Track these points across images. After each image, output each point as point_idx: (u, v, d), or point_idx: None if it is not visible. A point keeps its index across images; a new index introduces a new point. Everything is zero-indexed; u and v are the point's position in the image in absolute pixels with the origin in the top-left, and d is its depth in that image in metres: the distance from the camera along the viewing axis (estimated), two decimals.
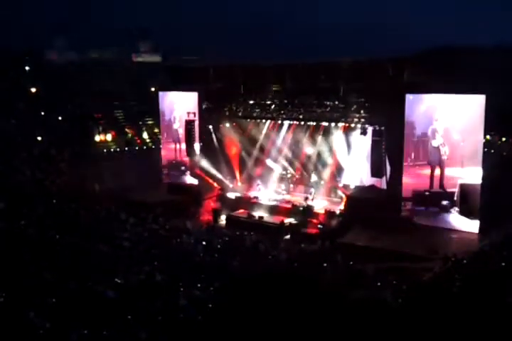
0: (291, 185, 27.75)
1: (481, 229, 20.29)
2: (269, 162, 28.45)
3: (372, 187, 23.79)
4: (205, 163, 28.46)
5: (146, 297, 11.72)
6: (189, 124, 28.44)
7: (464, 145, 20.25)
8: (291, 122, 26.55)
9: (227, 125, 28.55)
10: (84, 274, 12.93)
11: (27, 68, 37.11)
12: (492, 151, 24.79)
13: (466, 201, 20.56)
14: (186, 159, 29.72)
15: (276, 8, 74.59)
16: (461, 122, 20.37)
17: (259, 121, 27.59)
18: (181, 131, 29.65)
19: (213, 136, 28.85)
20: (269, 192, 27.04)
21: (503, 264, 15.04)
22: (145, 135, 36.84)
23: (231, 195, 27.14)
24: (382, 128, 22.53)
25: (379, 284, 14.56)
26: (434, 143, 21.15)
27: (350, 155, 25.42)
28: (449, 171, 21.04)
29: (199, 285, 13.37)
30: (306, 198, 25.20)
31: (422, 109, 21.19)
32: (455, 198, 20.97)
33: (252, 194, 26.97)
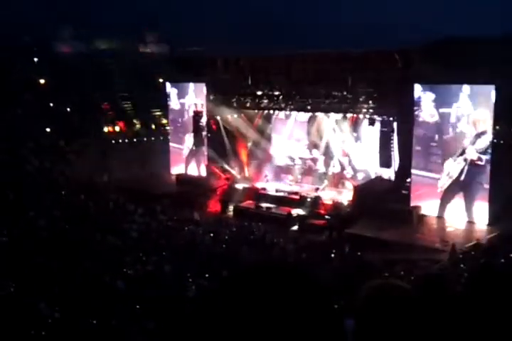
0: (299, 176, 27.73)
1: (490, 220, 20.21)
2: (276, 153, 28.43)
3: (380, 178, 23.74)
4: (213, 154, 28.47)
5: (154, 287, 11.78)
6: (197, 115, 28.44)
7: None
8: (299, 113, 26.54)
9: (235, 116, 28.49)
10: (93, 265, 13.00)
11: (35, 59, 37.12)
12: (502, 142, 24.61)
13: None
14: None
15: (277, 8, 74.63)
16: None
17: (266, 112, 27.56)
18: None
19: (221, 126, 28.80)
20: (276, 183, 27.04)
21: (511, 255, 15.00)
22: (153, 126, 36.84)
23: (239, 186, 27.15)
24: (391, 118, 22.44)
25: (386, 275, 14.58)
26: None
27: (359, 145, 25.38)
28: None
29: (207, 275, 13.45)
30: (317, 189, 25.15)
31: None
32: None
33: (259, 185, 26.98)
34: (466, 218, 20.79)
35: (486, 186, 19.81)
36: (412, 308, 1.66)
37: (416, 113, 21.24)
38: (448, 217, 21.24)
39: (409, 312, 1.64)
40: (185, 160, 30.29)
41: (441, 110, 20.74)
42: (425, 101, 20.96)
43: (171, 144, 31.28)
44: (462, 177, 20.30)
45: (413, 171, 21.65)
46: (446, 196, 21.03)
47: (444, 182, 20.97)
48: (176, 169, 30.54)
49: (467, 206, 20.57)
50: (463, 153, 20.18)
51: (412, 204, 21.79)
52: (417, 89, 21.27)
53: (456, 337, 1.87)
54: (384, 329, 1.60)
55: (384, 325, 1.61)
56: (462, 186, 20.45)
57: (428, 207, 21.34)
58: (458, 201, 21.00)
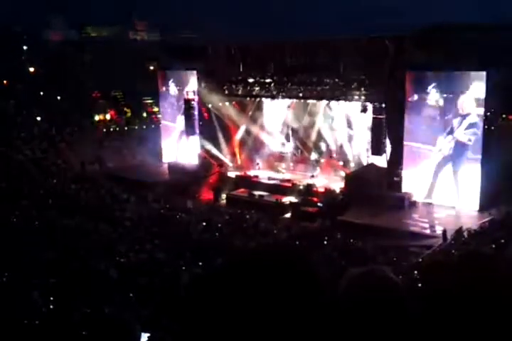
0: (291, 164, 27.74)
1: (480, 206, 20.37)
2: (269, 140, 28.40)
3: (372, 165, 23.79)
4: (205, 142, 28.40)
5: (148, 275, 11.81)
6: (188, 103, 28.32)
7: None
8: (291, 100, 26.48)
9: (227, 103, 28.36)
10: (86, 253, 13.01)
11: (25, 47, 36.79)
12: (492, 128, 24.71)
13: None
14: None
15: None
16: None
17: (258, 99, 27.48)
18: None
19: (213, 114, 28.69)
20: (269, 171, 27.05)
21: (502, 241, 15.15)
22: (144, 114, 36.68)
23: (231, 174, 27.13)
24: (383, 105, 22.45)
25: (379, 261, 14.69)
26: None
27: (351, 133, 25.39)
28: None
29: (200, 263, 13.49)
30: (312, 176, 25.16)
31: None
32: None
33: (252, 173, 26.98)
34: (458, 204, 21.01)
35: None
36: (394, 297, 1.67)
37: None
38: (439, 203, 21.40)
39: (391, 300, 1.65)
40: (176, 145, 30.28)
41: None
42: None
43: (164, 122, 31.20)
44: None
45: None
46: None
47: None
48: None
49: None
50: (451, 131, 21.43)
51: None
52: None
53: (441, 325, 1.89)
54: (364, 317, 1.61)
55: (364, 313, 1.62)
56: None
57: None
58: (448, 186, 21.25)
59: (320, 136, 26.75)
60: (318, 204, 22.55)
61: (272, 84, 26.08)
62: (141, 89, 36.15)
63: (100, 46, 40.15)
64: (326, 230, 19.67)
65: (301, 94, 25.37)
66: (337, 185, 24.19)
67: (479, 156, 20.61)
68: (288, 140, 28.17)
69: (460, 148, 21.32)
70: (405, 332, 1.61)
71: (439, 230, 18.31)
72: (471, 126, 20.91)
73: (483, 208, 20.21)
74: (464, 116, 21.02)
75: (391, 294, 1.64)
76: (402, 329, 1.60)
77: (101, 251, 13.72)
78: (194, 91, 28.44)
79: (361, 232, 18.43)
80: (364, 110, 23.37)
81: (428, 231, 18.98)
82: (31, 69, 34.89)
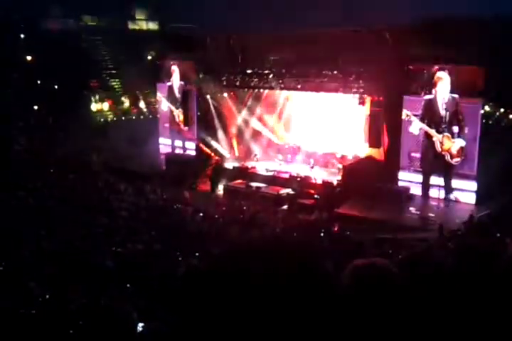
0: (289, 155, 27.74)
1: (477, 199, 20.42)
2: (266, 132, 28.37)
3: (369, 157, 23.79)
4: (202, 133, 28.37)
5: (145, 266, 11.82)
6: (186, 94, 28.24)
7: None
8: (290, 92, 26.44)
9: (225, 94, 28.32)
10: (83, 244, 13.01)
11: (22, 36, 36.57)
12: (490, 122, 24.76)
13: None
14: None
15: None
16: None
17: (256, 90, 27.42)
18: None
19: (211, 105, 28.64)
20: (266, 163, 27.04)
21: (498, 235, 15.18)
22: (142, 104, 36.59)
23: (228, 165, 27.13)
24: (381, 98, 22.43)
25: (375, 253, 14.72)
26: None
27: (348, 125, 25.39)
28: None
29: (197, 254, 13.51)
30: (312, 167, 25.17)
31: None
32: None
33: (249, 164, 26.97)
34: (455, 197, 21.04)
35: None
36: (396, 286, 1.68)
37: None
38: (436, 196, 21.45)
39: (393, 289, 1.65)
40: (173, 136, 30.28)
41: (441, 87, 21.21)
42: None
43: (161, 113, 31.22)
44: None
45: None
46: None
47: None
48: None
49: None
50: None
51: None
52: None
53: (439, 312, 1.90)
54: (370, 306, 1.62)
55: (370, 302, 1.62)
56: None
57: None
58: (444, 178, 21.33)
59: (318, 128, 26.76)
60: (315, 196, 22.57)
61: (271, 76, 26.01)
62: (139, 79, 36.04)
63: (98, 35, 39.93)
64: (322, 222, 19.70)
65: (299, 86, 25.33)
66: (334, 177, 24.21)
67: (476, 149, 20.60)
68: (286, 132, 28.15)
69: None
70: (404, 321, 1.61)
71: (435, 223, 18.36)
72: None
73: (480, 202, 20.27)
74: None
75: (393, 284, 1.65)
76: (402, 317, 1.61)
77: (98, 241, 13.72)
78: (192, 82, 28.37)
79: (358, 225, 18.46)
80: (362, 102, 23.36)
81: (424, 225, 19.03)
82: (28, 58, 34.70)
